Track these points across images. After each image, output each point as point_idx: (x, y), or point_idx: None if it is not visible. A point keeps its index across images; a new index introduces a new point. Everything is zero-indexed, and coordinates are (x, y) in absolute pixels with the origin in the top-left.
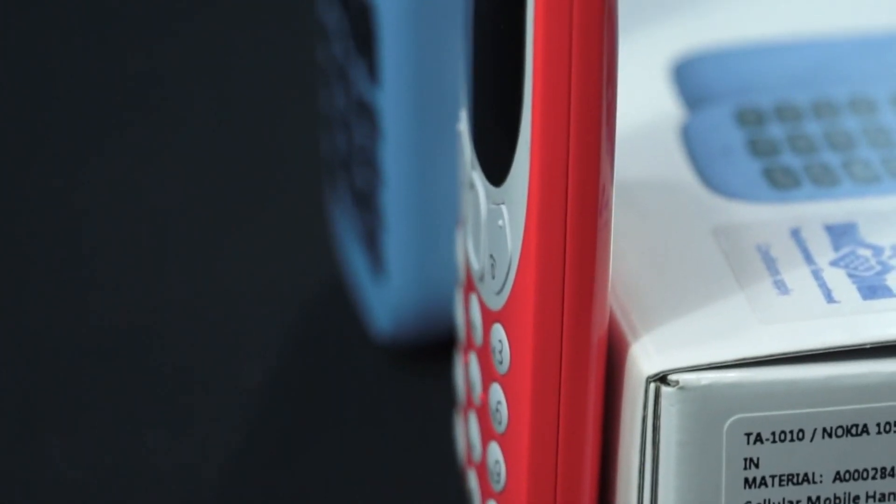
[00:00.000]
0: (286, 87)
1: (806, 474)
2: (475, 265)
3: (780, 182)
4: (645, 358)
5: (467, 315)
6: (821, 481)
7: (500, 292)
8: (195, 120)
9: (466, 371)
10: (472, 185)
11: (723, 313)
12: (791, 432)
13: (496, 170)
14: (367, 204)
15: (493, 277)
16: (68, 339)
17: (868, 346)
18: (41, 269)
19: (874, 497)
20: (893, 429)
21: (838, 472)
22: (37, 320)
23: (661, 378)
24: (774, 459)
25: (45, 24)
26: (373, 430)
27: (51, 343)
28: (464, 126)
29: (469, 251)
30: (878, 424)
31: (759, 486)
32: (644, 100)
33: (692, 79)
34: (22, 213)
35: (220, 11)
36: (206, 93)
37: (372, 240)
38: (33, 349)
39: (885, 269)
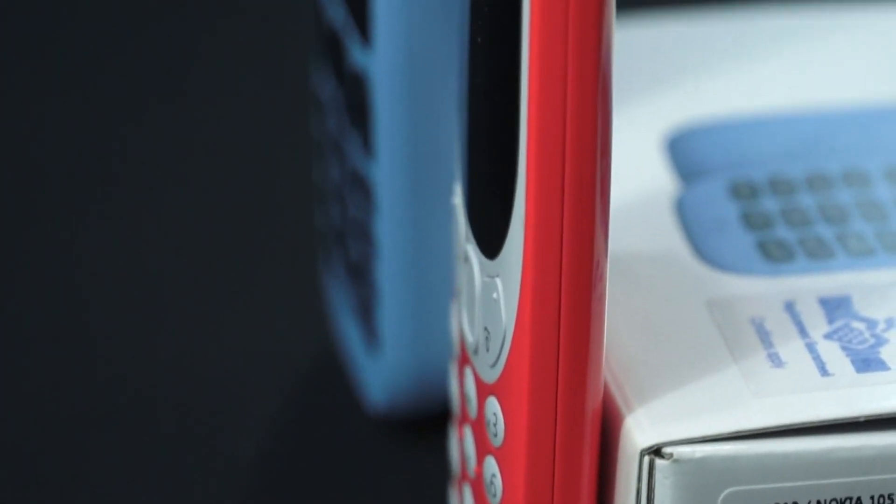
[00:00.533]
0: (281, 160)
1: None
2: (469, 338)
3: (775, 255)
4: (639, 431)
5: (462, 388)
6: None
7: (494, 365)
8: (190, 190)
9: (461, 444)
10: (466, 258)
11: (717, 386)
12: None
13: (491, 243)
14: (361, 276)
15: (488, 350)
16: (63, 403)
17: (862, 419)
18: (37, 330)
19: None
20: (887, 501)
21: None
22: (32, 381)
23: (656, 451)
24: None
25: (40, 89)
26: (367, 503)
27: (47, 405)
28: (458, 199)
29: (463, 324)
30: (872, 497)
31: None
32: (638, 173)
33: (686, 152)
34: (20, 280)
35: (215, 82)
36: (200, 163)
37: (366, 312)
38: (29, 410)
39: (879, 342)
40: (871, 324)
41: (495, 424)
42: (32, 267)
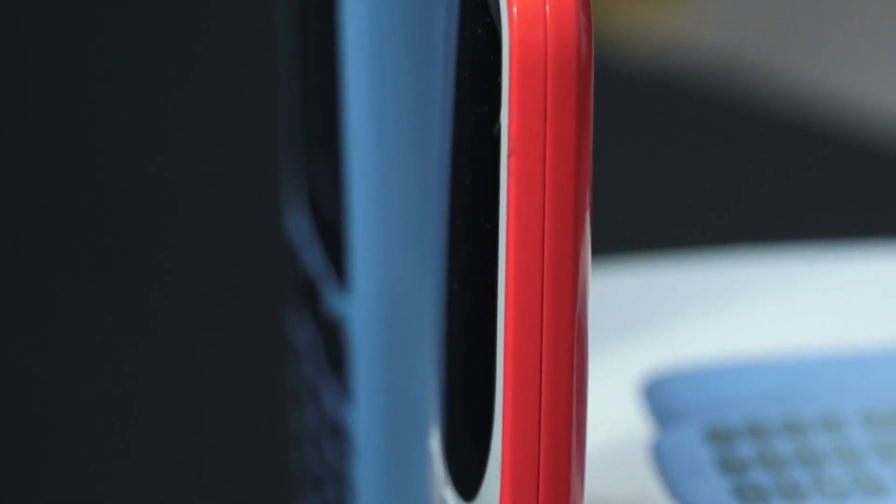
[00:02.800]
0: (257, 405)
1: None
2: None
3: (751, 498)
4: None
5: None
6: None
7: None
8: (167, 445)
9: None
10: (443, 502)
11: None
12: None
13: (467, 485)
14: None
15: None
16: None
17: None
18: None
19: None
20: None
21: None
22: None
23: None
24: None
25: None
26: None
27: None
28: (435, 443)
29: None
30: None
31: None
32: (615, 417)
33: (663, 396)
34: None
35: (200, 347)
36: (185, 413)
37: None
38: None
39: None
40: None
41: None
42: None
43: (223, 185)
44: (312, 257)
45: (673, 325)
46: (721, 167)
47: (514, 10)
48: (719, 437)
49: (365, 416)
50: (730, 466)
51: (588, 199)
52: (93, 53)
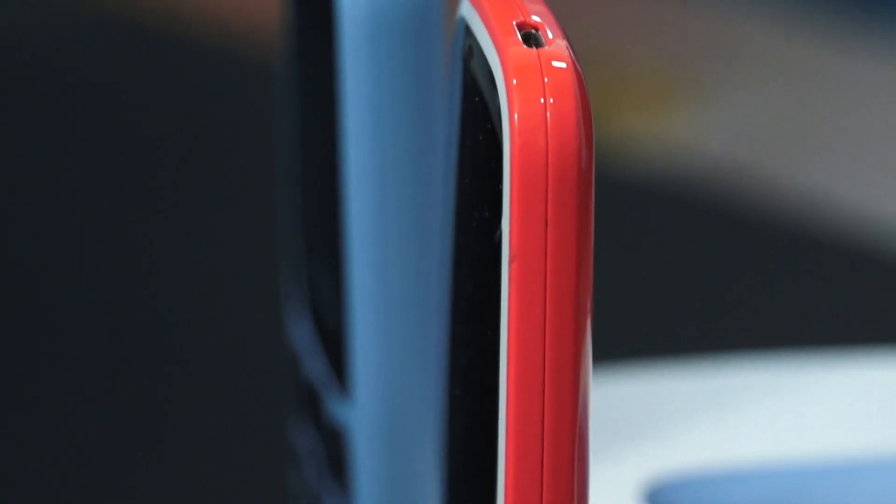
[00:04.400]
0: None
1: None
2: None
3: None
4: None
5: None
6: None
7: None
8: None
9: None
10: None
11: None
12: None
13: None
14: None
15: None
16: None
17: None
18: None
19: None
20: None
21: None
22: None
23: None
24: None
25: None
26: None
27: None
28: None
29: None
30: None
31: None
32: None
33: None
34: None
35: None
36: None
37: None
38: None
39: None
40: None
41: None
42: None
43: (225, 290)
44: (314, 364)
45: (675, 432)
46: (721, 274)
47: (515, 116)
48: None
49: None
50: None
51: (589, 306)
52: (81, 176)
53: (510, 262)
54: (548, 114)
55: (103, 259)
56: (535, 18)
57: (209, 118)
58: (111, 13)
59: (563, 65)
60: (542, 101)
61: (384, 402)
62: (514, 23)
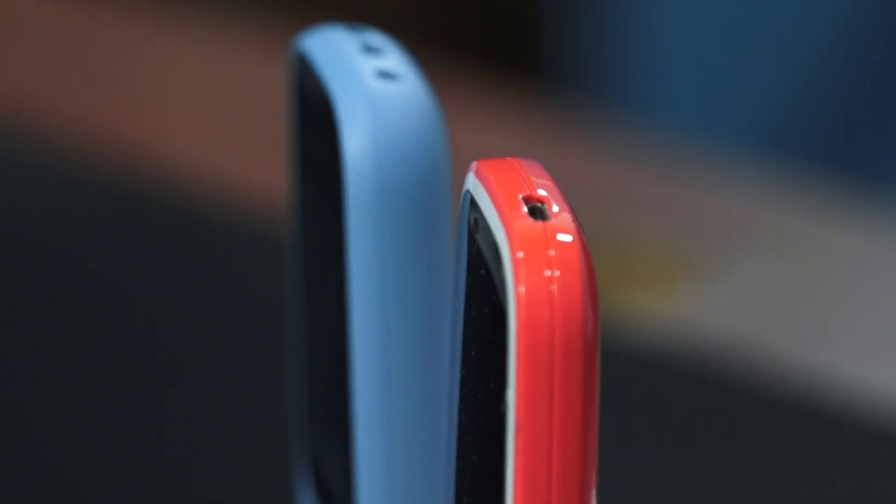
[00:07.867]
0: None
1: None
2: None
3: None
4: None
5: None
6: None
7: None
8: None
9: None
10: None
11: None
12: None
13: None
14: None
15: None
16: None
17: None
18: None
19: None
20: None
21: None
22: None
23: None
24: None
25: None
26: None
27: None
28: None
29: None
30: None
31: None
32: None
33: None
34: None
35: None
36: None
37: None
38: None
39: None
40: None
41: None
42: None
43: (232, 466)
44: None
45: None
46: (726, 450)
47: (522, 288)
48: None
49: None
50: None
51: (594, 478)
52: (84, 357)
53: (516, 432)
54: (554, 286)
55: (107, 433)
56: (542, 192)
57: (215, 292)
58: (116, 191)
59: (569, 238)
60: (548, 273)
61: None
62: (521, 196)
